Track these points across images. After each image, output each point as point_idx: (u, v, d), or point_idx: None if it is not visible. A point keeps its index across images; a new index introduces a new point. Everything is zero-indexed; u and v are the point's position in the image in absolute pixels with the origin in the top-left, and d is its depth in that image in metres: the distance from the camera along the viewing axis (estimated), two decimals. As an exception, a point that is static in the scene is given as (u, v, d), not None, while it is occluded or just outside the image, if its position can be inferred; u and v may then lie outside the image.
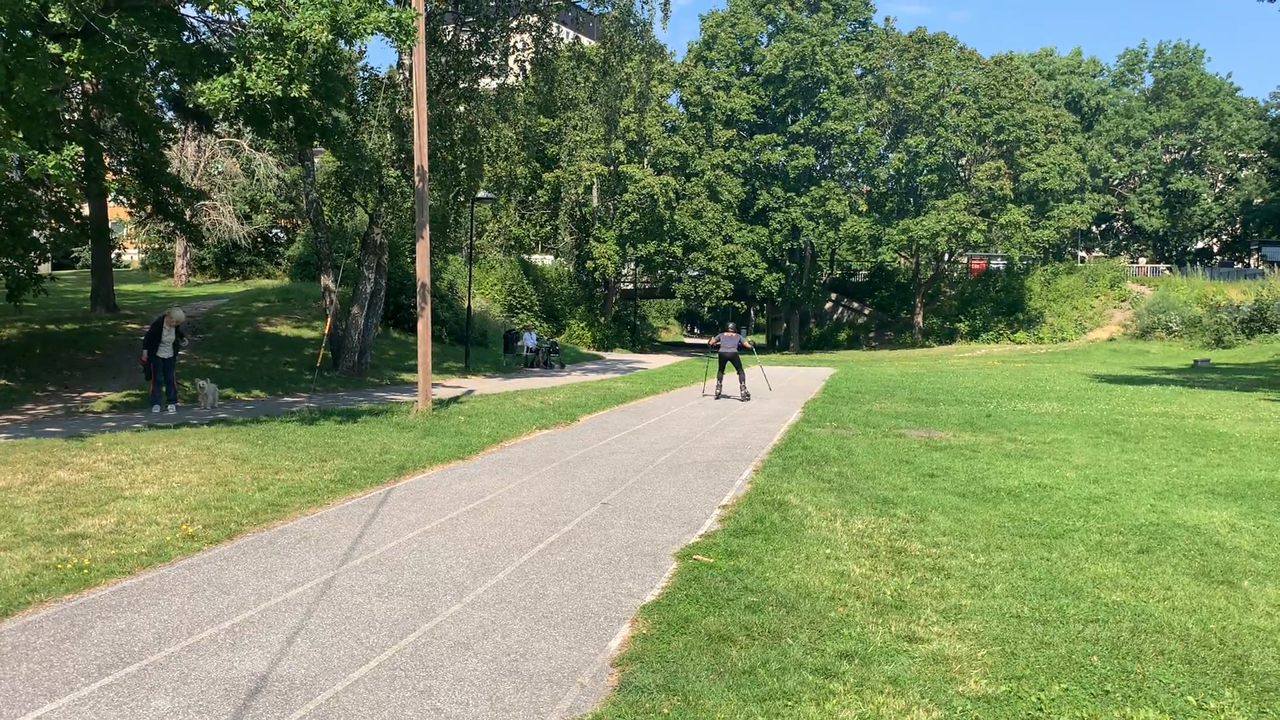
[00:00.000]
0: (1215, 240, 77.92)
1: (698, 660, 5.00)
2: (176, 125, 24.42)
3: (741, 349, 20.97)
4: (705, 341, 76.67)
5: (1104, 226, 76.28)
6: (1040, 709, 4.48)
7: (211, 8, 12.98)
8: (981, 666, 4.96)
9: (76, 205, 22.27)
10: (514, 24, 24.79)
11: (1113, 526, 8.14)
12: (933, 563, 6.93)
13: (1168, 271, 60.87)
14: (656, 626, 5.51)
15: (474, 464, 11.45)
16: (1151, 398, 20.61)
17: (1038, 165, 54.38)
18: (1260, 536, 7.87)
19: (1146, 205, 70.34)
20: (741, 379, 20.81)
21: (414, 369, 20.57)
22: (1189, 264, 63.56)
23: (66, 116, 19.27)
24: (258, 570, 6.66)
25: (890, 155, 57.98)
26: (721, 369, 21.35)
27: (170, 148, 26.65)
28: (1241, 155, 72.21)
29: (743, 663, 4.96)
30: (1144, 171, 71.08)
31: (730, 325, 22.04)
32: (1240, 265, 69.76)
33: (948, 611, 5.84)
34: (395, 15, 12.44)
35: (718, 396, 21.07)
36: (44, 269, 25.24)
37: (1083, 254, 70.57)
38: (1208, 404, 18.95)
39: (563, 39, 27.14)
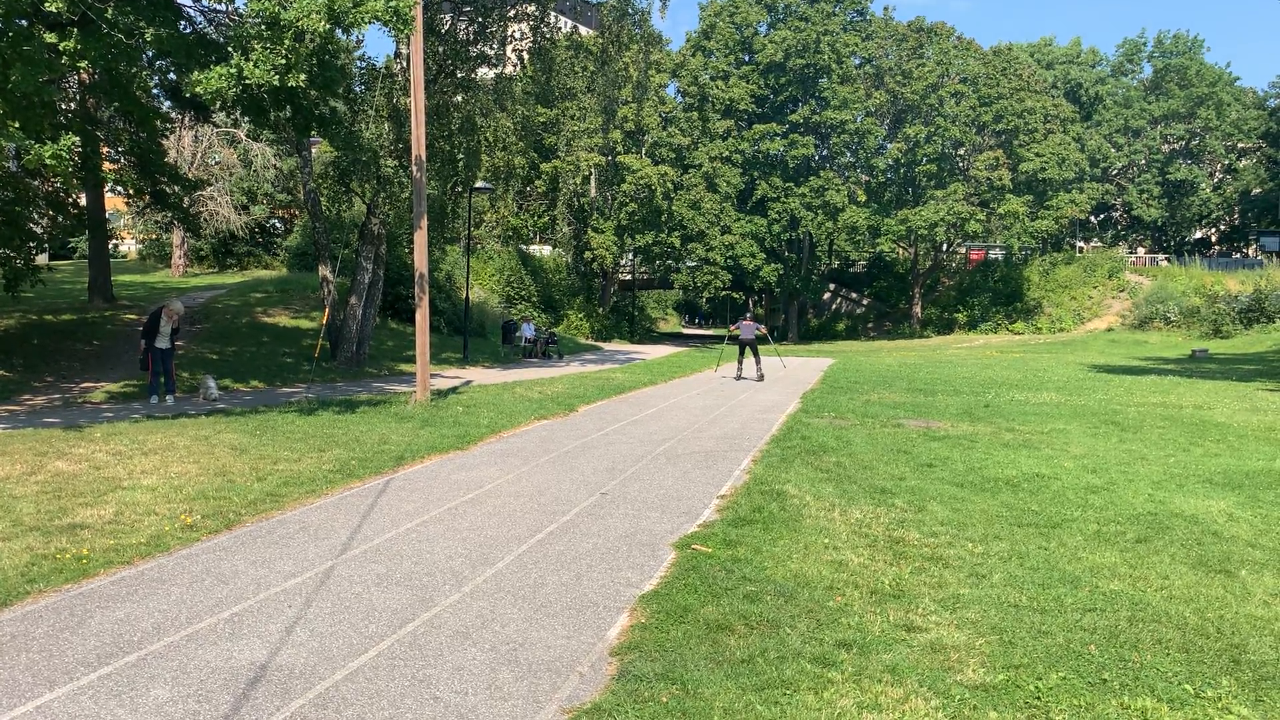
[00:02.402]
0: (1213, 230, 77.88)
1: (696, 649, 5.01)
2: (173, 115, 24.32)
3: (759, 336, 24.09)
4: (703, 332, 78.07)
5: (1102, 216, 76.22)
6: (1038, 698, 4.49)
7: (208, -3, 12.95)
8: (979, 655, 4.98)
9: (73, 195, 22.22)
10: (512, 13, 24.72)
11: (1110, 516, 8.15)
12: (931, 552, 6.94)
13: (1166, 262, 60.82)
14: (655, 616, 5.52)
15: (472, 454, 11.46)
16: (1149, 388, 20.63)
17: (1036, 155, 54.28)
18: (1257, 526, 7.88)
19: (1145, 195, 70.27)
20: (757, 362, 23.61)
21: (412, 359, 20.56)
22: (1187, 254, 63.51)
23: (63, 106, 19.21)
24: (256, 560, 6.66)
25: (889, 145, 57.84)
26: (741, 354, 24.14)
27: (167, 138, 26.61)
28: (1240, 145, 72.13)
29: (741, 652, 4.97)
30: (1143, 161, 70.99)
31: (747, 315, 25.18)
32: (1238, 255, 69.83)
33: (946, 601, 5.85)
34: (393, 4, 12.38)
35: (738, 378, 23.59)
36: (41, 260, 25.20)
37: (1081, 244, 70.43)
38: (1205, 394, 18.96)
39: (561, 28, 27.10)
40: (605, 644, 5.16)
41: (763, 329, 24.99)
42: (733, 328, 24.88)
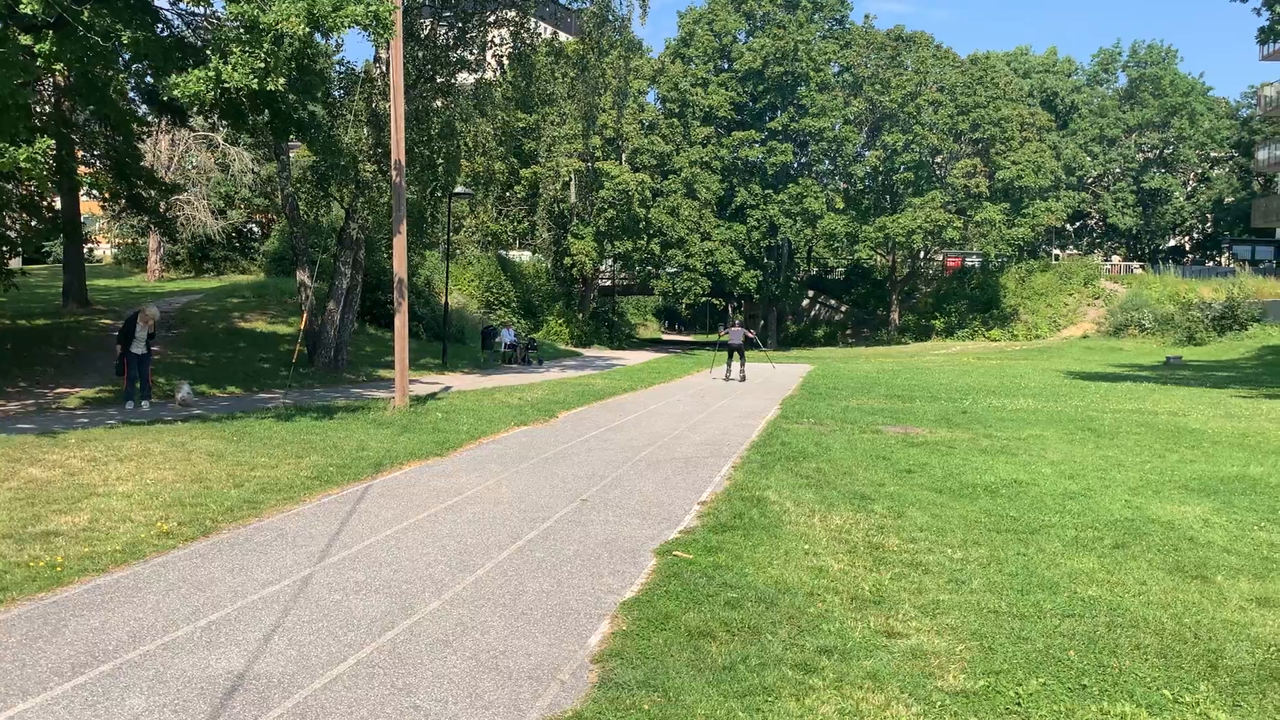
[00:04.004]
0: (1187, 238, 78.72)
1: (678, 656, 5.00)
2: (150, 119, 24.10)
3: (746, 341, 26.29)
4: (683, 338, 78.90)
5: (1078, 224, 76.85)
6: (1018, 703, 4.51)
7: (186, 0, 12.87)
8: (960, 661, 4.99)
9: (48, 199, 22.00)
10: (492, 18, 24.71)
11: (1088, 522, 8.21)
12: (910, 558, 6.97)
13: (1141, 269, 61.41)
14: (636, 623, 5.51)
15: (452, 461, 11.41)
16: (1125, 394, 20.81)
17: (1013, 163, 54.71)
18: (1233, 531, 7.96)
19: (1120, 203, 70.94)
20: (742, 364, 25.93)
21: (391, 365, 20.46)
22: (1161, 262, 64.15)
23: (38, 109, 19.02)
24: (234, 568, 6.60)
25: (867, 153, 58.11)
26: (730, 358, 26.31)
27: (144, 141, 26.35)
28: (1213, 154, 72.96)
29: (723, 658, 4.97)
30: (1118, 170, 71.68)
31: (736, 322, 28.26)
32: (1212, 263, 70.50)
33: (926, 607, 5.87)
34: (372, 8, 12.34)
35: (726, 379, 25.75)
36: (15, 264, 24.88)
37: (1057, 252, 70.96)
38: (1180, 400, 19.15)
39: (541, 34, 27.08)
40: (586, 651, 5.14)
41: (751, 334, 27.50)
42: (722, 333, 27.44)
